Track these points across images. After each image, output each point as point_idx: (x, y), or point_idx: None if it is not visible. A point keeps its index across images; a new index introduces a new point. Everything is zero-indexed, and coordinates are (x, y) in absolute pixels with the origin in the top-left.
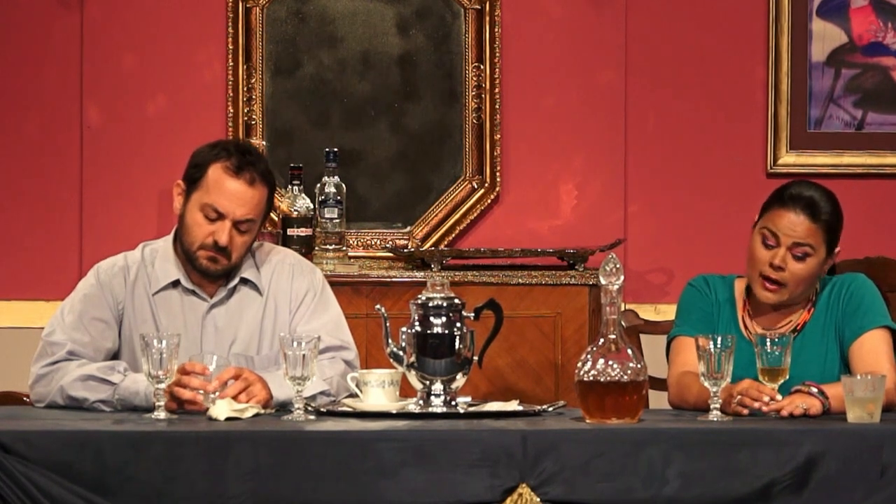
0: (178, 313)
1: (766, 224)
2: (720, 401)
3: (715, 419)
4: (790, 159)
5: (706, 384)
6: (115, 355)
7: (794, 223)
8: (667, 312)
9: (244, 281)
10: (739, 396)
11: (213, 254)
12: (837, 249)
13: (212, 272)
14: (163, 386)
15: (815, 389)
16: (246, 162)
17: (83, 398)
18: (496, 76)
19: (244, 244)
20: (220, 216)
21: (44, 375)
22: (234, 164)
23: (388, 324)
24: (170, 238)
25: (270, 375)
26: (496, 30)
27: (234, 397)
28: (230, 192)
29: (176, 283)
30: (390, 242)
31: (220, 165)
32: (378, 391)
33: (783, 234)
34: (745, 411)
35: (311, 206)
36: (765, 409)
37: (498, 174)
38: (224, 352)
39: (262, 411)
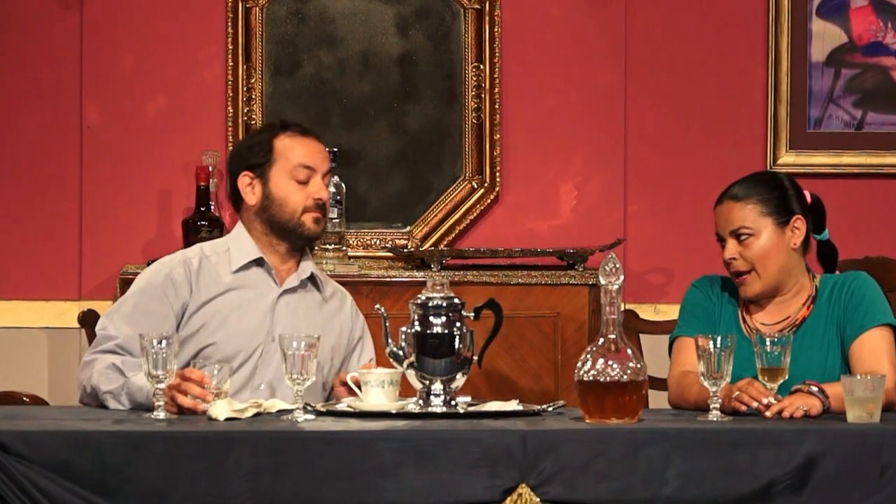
0: (252, 290)
1: (715, 231)
2: (720, 401)
3: (715, 419)
4: (790, 159)
5: (706, 384)
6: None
7: (723, 214)
8: (667, 312)
9: (312, 279)
10: (738, 392)
11: (318, 214)
12: (797, 217)
13: (318, 233)
14: (163, 386)
15: (815, 388)
16: (305, 127)
17: (98, 388)
18: (496, 76)
19: (328, 198)
20: (312, 172)
21: (88, 362)
22: (299, 129)
23: (387, 324)
24: (237, 229)
25: None
26: (496, 30)
27: None
28: (310, 147)
29: (258, 262)
30: (390, 242)
31: (285, 135)
32: (378, 391)
33: (721, 229)
34: (743, 408)
35: None
36: (767, 414)
37: (498, 174)
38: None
39: (262, 411)
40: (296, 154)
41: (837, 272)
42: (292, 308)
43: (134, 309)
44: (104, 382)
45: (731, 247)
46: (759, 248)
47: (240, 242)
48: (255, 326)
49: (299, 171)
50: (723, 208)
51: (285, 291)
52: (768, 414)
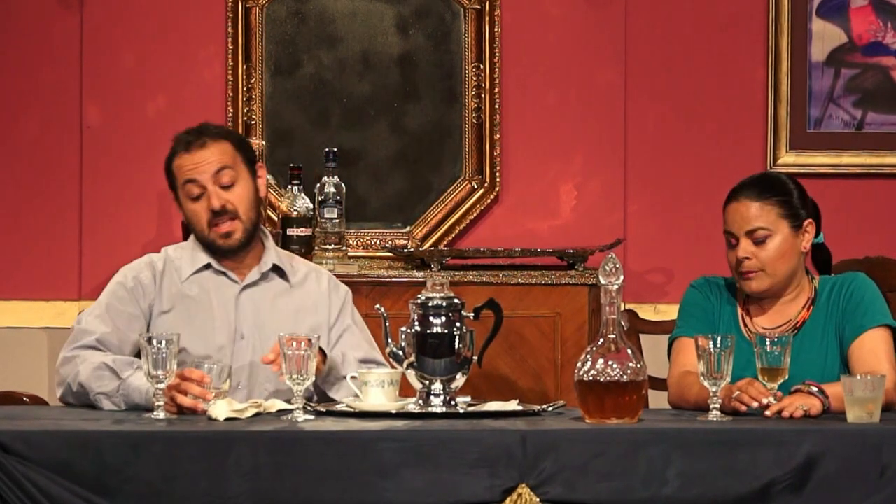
0: (211, 292)
1: (725, 229)
2: (720, 401)
3: (715, 419)
4: (790, 159)
5: (706, 384)
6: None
7: (739, 212)
8: (667, 312)
9: (275, 268)
10: (738, 392)
11: (219, 225)
12: (807, 223)
13: (233, 245)
14: (163, 386)
15: (815, 389)
16: (193, 136)
17: (89, 388)
18: (496, 76)
19: (241, 196)
20: (199, 186)
21: (69, 358)
22: (184, 144)
23: (387, 324)
24: (192, 236)
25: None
26: (496, 29)
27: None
28: (191, 163)
29: (207, 266)
30: (390, 242)
31: (176, 155)
32: (378, 391)
33: (736, 227)
34: (743, 408)
35: (311, 205)
36: (768, 413)
37: (498, 174)
38: (259, 333)
39: (262, 411)
40: (181, 172)
41: (832, 274)
42: (256, 303)
43: (107, 309)
44: (96, 382)
45: (746, 246)
46: (774, 250)
47: (189, 251)
48: (221, 327)
49: (189, 188)
50: (738, 207)
51: (245, 287)
52: (768, 413)
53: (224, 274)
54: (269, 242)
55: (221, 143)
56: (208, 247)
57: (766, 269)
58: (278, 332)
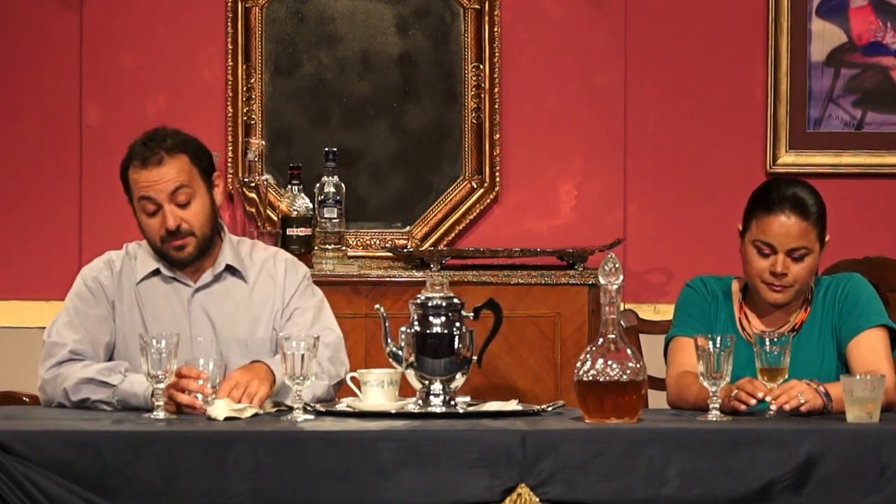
0: (161, 299)
1: (757, 236)
2: (719, 401)
3: (714, 419)
4: (789, 159)
5: (705, 384)
6: (114, 347)
7: (786, 227)
8: (666, 312)
9: (229, 268)
10: (736, 391)
11: (173, 242)
12: (827, 238)
13: (185, 258)
14: (162, 386)
15: (821, 389)
16: (148, 149)
17: (85, 398)
18: (496, 76)
19: (197, 213)
20: (155, 203)
21: (49, 379)
22: (140, 158)
23: (387, 323)
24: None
25: (272, 361)
26: (496, 29)
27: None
28: (146, 180)
29: (156, 272)
30: (389, 242)
31: (132, 167)
32: (377, 391)
33: (778, 242)
34: (742, 407)
35: (311, 205)
36: (772, 408)
37: (497, 174)
38: (216, 336)
39: (262, 411)
40: (137, 188)
41: (821, 274)
42: (209, 305)
43: (75, 314)
44: (88, 394)
45: (785, 261)
46: (807, 267)
47: (144, 253)
48: (175, 331)
49: (145, 204)
50: (784, 221)
51: (198, 290)
52: (772, 408)
53: (174, 279)
54: (227, 241)
55: (178, 159)
56: (163, 256)
57: (796, 283)
58: (235, 335)
